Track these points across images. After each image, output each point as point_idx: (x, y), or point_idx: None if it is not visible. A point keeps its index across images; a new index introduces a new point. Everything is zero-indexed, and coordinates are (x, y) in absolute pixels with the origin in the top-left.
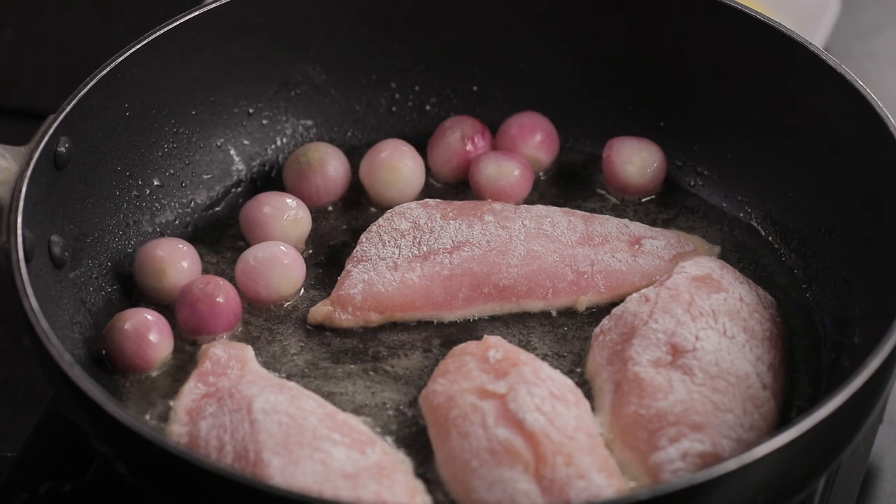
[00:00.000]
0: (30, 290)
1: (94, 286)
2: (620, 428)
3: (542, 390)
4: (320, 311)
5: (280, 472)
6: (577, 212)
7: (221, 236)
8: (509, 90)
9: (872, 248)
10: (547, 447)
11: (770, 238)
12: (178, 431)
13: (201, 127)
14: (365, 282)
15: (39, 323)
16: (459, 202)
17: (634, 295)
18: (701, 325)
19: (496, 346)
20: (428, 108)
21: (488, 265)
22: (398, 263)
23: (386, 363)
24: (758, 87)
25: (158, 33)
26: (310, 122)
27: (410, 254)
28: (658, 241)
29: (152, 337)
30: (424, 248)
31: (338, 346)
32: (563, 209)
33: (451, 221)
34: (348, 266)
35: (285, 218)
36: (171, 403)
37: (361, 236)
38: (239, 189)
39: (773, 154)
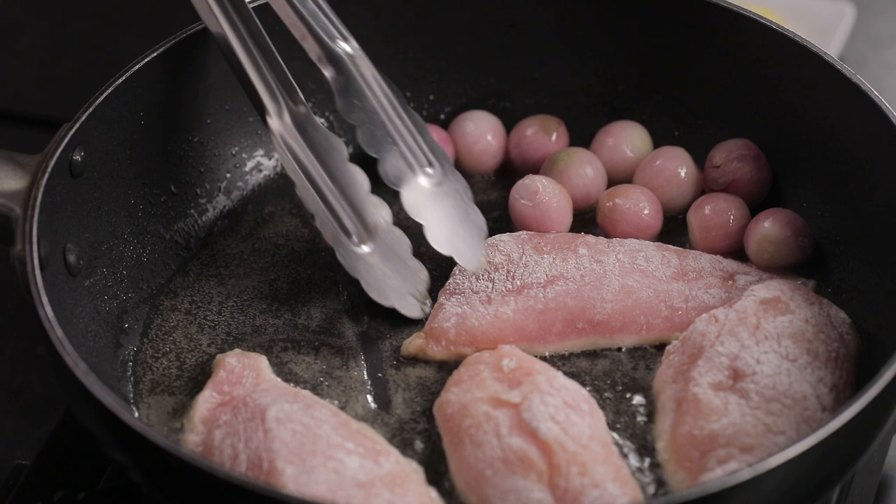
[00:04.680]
0: (45, 299)
1: (109, 294)
2: (675, 447)
3: (557, 399)
4: (414, 343)
5: (293, 481)
6: (670, 246)
7: (236, 244)
8: (524, 100)
9: (887, 258)
10: (561, 456)
11: None
12: (192, 440)
13: (216, 135)
14: (458, 315)
15: (55, 331)
16: (553, 235)
17: (704, 315)
18: (764, 348)
19: (510, 354)
20: (442, 116)
21: (583, 300)
22: (491, 297)
23: (400, 372)
24: (772, 96)
25: (173, 42)
26: None
27: (504, 287)
28: (750, 277)
29: None
30: (518, 283)
31: (351, 354)
32: (656, 244)
33: (546, 255)
34: (441, 298)
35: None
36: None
37: (454, 269)
38: (254, 197)
39: (786, 164)
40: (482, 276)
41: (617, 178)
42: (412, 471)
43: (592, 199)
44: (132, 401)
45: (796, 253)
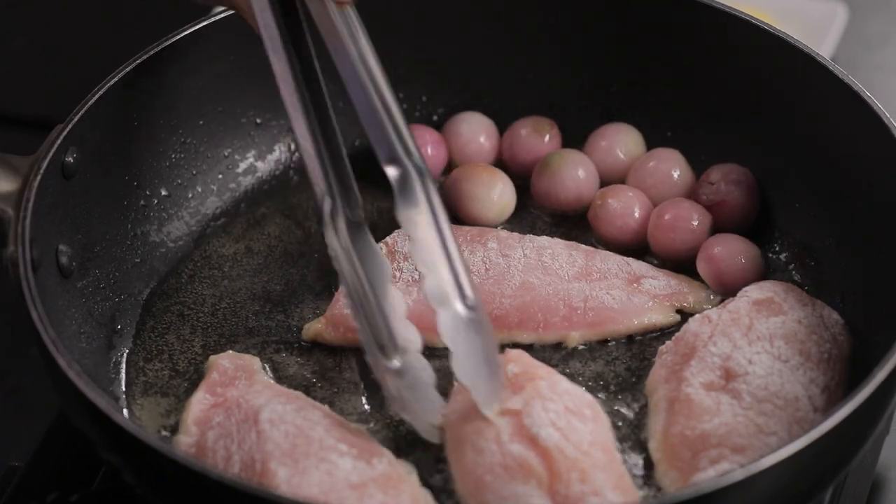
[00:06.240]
0: (37, 300)
1: (102, 296)
2: (668, 446)
3: (558, 405)
4: (313, 328)
5: (286, 482)
6: (582, 246)
7: (229, 246)
8: (517, 101)
9: (880, 259)
10: (561, 463)
11: (776, 247)
12: (185, 441)
13: (209, 137)
14: None
15: (47, 332)
16: (468, 227)
17: (697, 316)
18: (756, 349)
19: (516, 360)
20: (435, 118)
21: (483, 294)
22: (396, 286)
23: None
24: (765, 97)
25: (166, 44)
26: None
27: (410, 277)
28: (657, 282)
29: None
30: None
31: (343, 355)
32: (568, 242)
33: None
34: None
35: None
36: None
37: None
38: (246, 199)
39: (778, 164)
40: (392, 265)
41: (610, 181)
42: (405, 472)
43: (585, 200)
44: (125, 402)
45: (748, 272)
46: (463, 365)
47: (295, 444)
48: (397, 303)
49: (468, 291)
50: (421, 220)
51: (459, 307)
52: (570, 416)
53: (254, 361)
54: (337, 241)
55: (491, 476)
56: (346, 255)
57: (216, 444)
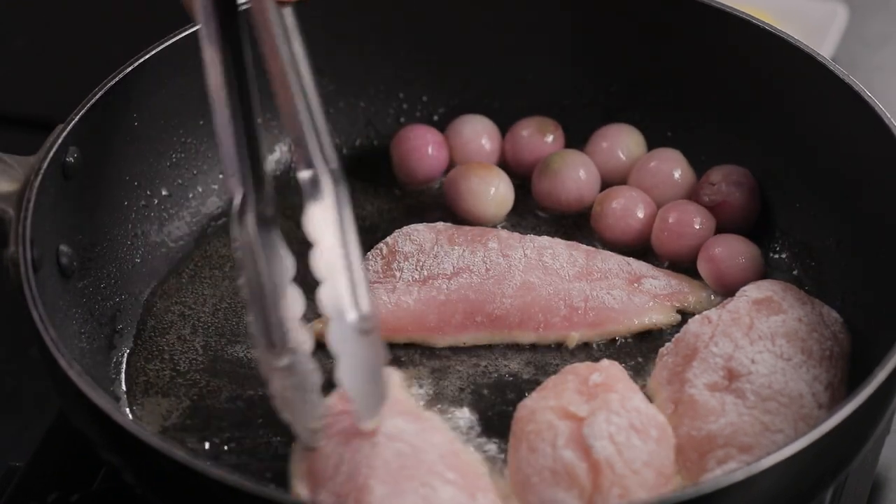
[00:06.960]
0: (38, 300)
1: (102, 296)
2: (674, 448)
3: (623, 420)
4: (315, 328)
5: (379, 500)
6: (582, 246)
7: (229, 245)
8: (517, 101)
9: (880, 259)
10: (606, 477)
11: (777, 247)
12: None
13: (209, 137)
14: None
15: (48, 332)
16: (469, 227)
17: (697, 317)
18: (758, 348)
19: (602, 369)
20: (436, 118)
21: (484, 293)
22: (396, 286)
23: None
24: (765, 97)
25: (168, 44)
26: None
27: (410, 277)
28: (658, 281)
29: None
30: (425, 273)
31: None
32: (569, 242)
33: (457, 247)
34: None
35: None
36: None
37: (367, 254)
38: None
39: (779, 165)
40: (391, 263)
41: (611, 181)
42: None
43: (586, 201)
44: (126, 402)
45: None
46: (347, 376)
47: (403, 465)
48: (295, 304)
49: (364, 304)
50: (327, 226)
51: (353, 318)
52: (633, 433)
53: (393, 374)
54: (242, 234)
55: (538, 478)
56: (250, 249)
57: (334, 448)
